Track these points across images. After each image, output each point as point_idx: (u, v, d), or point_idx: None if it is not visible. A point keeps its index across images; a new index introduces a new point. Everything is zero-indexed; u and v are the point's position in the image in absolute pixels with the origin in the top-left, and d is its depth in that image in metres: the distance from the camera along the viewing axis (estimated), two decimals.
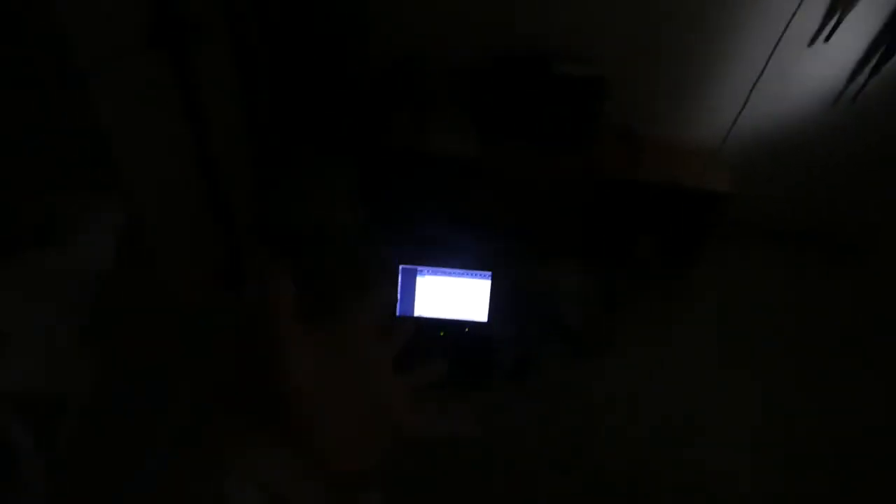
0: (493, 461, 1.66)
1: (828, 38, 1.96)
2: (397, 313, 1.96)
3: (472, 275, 1.94)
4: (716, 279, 2.37)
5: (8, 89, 0.94)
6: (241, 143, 1.81)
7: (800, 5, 1.88)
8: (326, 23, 1.86)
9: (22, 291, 0.90)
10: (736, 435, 1.82)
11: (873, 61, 1.98)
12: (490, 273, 1.94)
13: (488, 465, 1.65)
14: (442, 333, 1.97)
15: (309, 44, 1.94)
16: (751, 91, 2.10)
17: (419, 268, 1.93)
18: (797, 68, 2.05)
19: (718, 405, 1.90)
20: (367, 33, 1.97)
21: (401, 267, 1.92)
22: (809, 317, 2.26)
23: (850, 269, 2.48)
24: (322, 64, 2.00)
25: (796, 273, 2.45)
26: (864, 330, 2.22)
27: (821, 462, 1.77)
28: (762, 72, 2.05)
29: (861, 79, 2.04)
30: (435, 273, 1.94)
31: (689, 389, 1.93)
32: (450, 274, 1.94)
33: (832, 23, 1.92)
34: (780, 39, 1.97)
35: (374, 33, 1.97)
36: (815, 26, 1.96)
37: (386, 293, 1.96)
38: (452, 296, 1.97)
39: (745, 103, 2.13)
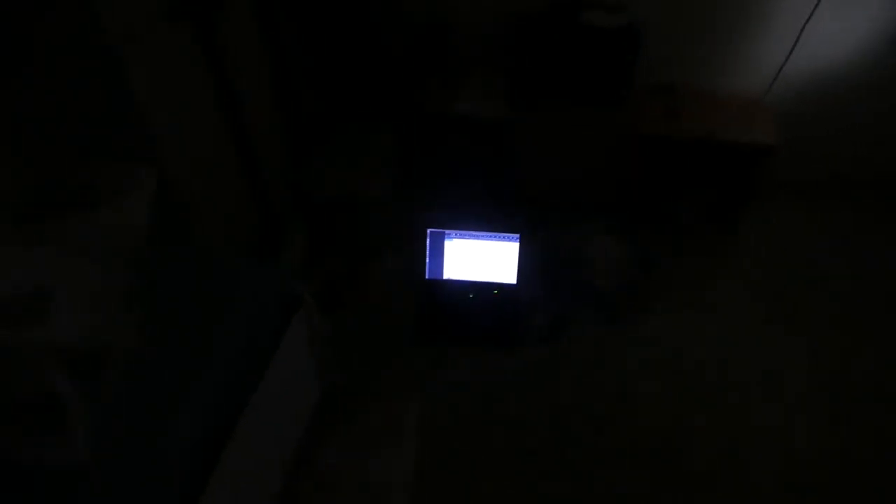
0: (525, 425, 1.68)
1: None
2: (426, 276, 1.98)
3: (499, 238, 1.93)
4: (760, 240, 2.24)
5: (45, 63, 0.98)
6: (273, 111, 1.84)
7: None
8: None
9: (66, 251, 0.96)
10: (777, 399, 1.76)
11: None
12: (518, 236, 1.92)
13: (521, 429, 1.67)
14: (471, 296, 1.98)
15: (339, 9, 1.93)
16: (801, 30, 1.93)
17: (447, 231, 1.93)
18: (856, 4, 1.87)
19: (759, 370, 1.83)
20: None
21: (429, 231, 1.92)
22: (859, 278, 2.11)
23: None
24: (353, 30, 1.99)
25: (846, 232, 2.28)
26: None
27: (866, 428, 1.70)
28: (815, 7, 1.87)
29: None
30: (463, 236, 1.93)
31: (729, 354, 1.87)
32: (477, 237, 1.93)
33: None
34: None
35: None
36: None
37: (414, 257, 1.98)
38: (481, 259, 1.96)
39: (795, 45, 1.96)
